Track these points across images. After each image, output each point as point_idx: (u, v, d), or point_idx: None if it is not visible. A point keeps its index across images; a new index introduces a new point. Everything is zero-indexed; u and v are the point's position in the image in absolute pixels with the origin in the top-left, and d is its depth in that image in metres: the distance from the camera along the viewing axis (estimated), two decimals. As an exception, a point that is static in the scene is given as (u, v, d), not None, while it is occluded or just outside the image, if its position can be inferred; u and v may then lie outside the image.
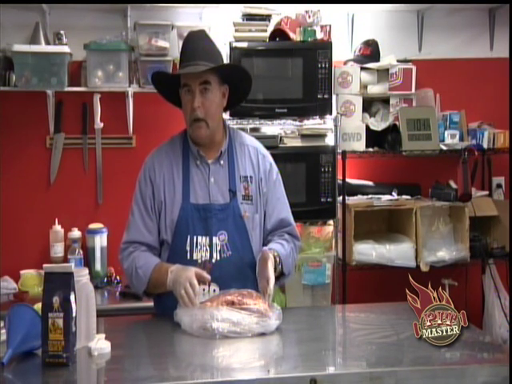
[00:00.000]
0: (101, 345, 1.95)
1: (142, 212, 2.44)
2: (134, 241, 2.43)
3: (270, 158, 2.58)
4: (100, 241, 3.76)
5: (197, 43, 2.42)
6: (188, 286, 2.20)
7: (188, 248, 2.37)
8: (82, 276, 2.02)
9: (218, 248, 2.38)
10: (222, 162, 2.47)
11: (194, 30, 2.57)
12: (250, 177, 2.48)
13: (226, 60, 3.61)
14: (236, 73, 2.49)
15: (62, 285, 1.87)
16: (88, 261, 3.73)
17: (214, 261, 2.38)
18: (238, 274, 2.39)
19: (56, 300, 1.85)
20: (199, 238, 2.38)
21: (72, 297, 1.87)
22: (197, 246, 2.38)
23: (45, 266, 1.92)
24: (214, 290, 2.34)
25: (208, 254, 2.38)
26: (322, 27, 3.67)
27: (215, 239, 2.39)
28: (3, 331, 1.97)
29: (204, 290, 2.35)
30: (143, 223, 2.43)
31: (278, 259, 2.38)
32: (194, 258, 2.37)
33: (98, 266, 3.75)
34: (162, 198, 2.42)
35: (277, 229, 2.53)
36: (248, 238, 2.44)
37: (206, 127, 2.40)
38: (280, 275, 2.44)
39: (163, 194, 2.42)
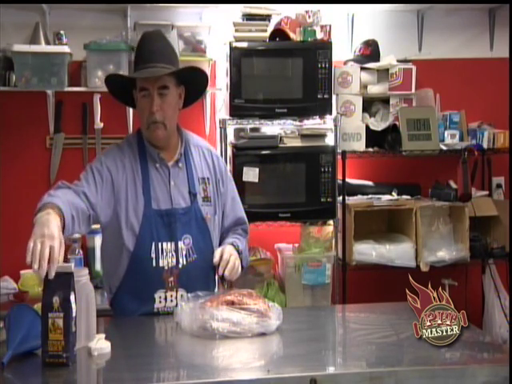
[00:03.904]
0: (101, 345, 1.95)
1: (88, 179, 2.34)
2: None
3: (222, 159, 2.62)
4: (100, 241, 3.74)
5: (154, 44, 2.40)
6: (47, 247, 1.85)
7: (153, 255, 2.34)
8: (82, 276, 2.02)
9: (184, 253, 2.37)
10: (180, 165, 2.45)
11: (149, 30, 2.57)
12: (208, 178, 2.49)
13: (225, 60, 3.63)
14: (193, 74, 2.47)
15: (62, 285, 1.86)
16: (88, 261, 3.73)
17: (180, 266, 2.36)
18: (202, 277, 2.40)
19: (56, 300, 1.85)
20: (164, 244, 2.36)
21: (72, 297, 1.86)
22: (162, 253, 2.35)
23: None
24: (182, 296, 2.34)
25: (174, 260, 2.36)
26: (321, 27, 3.67)
27: (180, 244, 2.37)
28: (3, 331, 1.97)
29: (172, 296, 2.36)
30: (94, 186, 2.32)
31: (239, 250, 2.42)
32: (160, 265, 2.35)
33: (97, 266, 3.75)
34: (122, 201, 2.35)
35: (233, 226, 2.56)
36: (210, 239, 2.44)
37: (164, 129, 2.38)
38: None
39: (125, 197, 2.36)
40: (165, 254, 2.35)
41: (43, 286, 1.88)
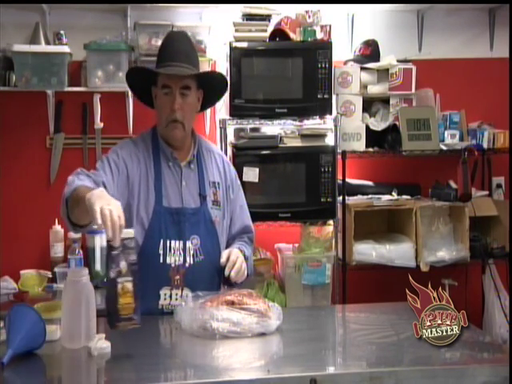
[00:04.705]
0: (101, 345, 1.95)
1: (105, 169, 2.35)
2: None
3: (232, 166, 2.63)
4: (100, 241, 3.73)
5: (180, 45, 2.42)
6: (116, 213, 1.92)
7: (161, 252, 2.36)
8: (82, 276, 2.02)
9: (192, 252, 2.38)
10: (192, 166, 2.47)
11: (176, 30, 2.57)
12: (218, 183, 2.51)
13: (225, 60, 3.63)
14: (214, 79, 2.50)
15: (127, 250, 1.92)
16: (88, 261, 3.72)
17: (187, 265, 2.37)
18: (208, 278, 2.40)
19: (124, 265, 1.90)
20: (172, 242, 2.37)
21: (136, 260, 1.93)
22: (170, 250, 2.36)
23: None
24: (187, 295, 2.34)
25: (182, 259, 2.37)
26: (322, 27, 3.67)
27: (188, 243, 2.38)
28: (3, 331, 1.97)
29: (176, 294, 2.36)
30: (111, 177, 2.34)
31: (244, 255, 2.43)
32: (168, 262, 2.36)
33: (97, 266, 3.74)
34: (135, 194, 2.37)
35: (239, 234, 2.57)
36: (218, 242, 2.46)
37: (182, 129, 2.40)
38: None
39: (137, 191, 2.38)
40: (172, 251, 2.37)
41: (107, 252, 1.92)
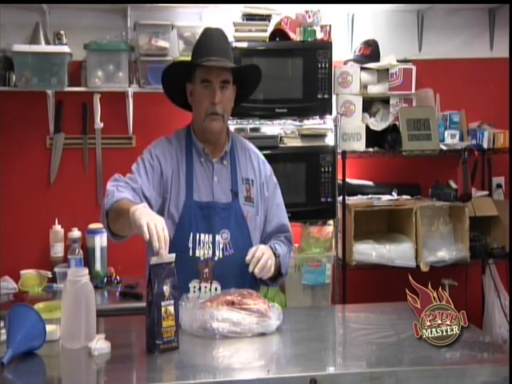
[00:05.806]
0: (101, 345, 1.95)
1: (140, 172, 2.38)
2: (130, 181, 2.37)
3: (268, 164, 2.61)
4: (100, 241, 3.75)
5: (218, 40, 2.43)
6: (160, 227, 2.01)
7: (190, 245, 2.37)
8: (82, 276, 2.02)
9: (221, 246, 2.39)
10: (225, 163, 2.47)
11: (212, 27, 2.56)
12: (252, 180, 2.50)
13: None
14: (248, 74, 2.49)
15: (169, 274, 1.97)
16: (88, 261, 3.73)
17: (216, 259, 2.38)
18: (238, 273, 2.39)
19: (166, 289, 1.95)
20: (202, 235, 2.38)
21: (177, 284, 1.99)
22: (199, 244, 2.37)
23: (152, 258, 1.97)
24: (216, 289, 2.36)
25: (211, 252, 2.38)
26: (322, 27, 3.67)
27: (218, 237, 2.39)
28: (3, 331, 1.97)
29: (206, 287, 2.36)
30: (147, 178, 2.37)
31: (276, 253, 2.41)
32: (197, 255, 2.37)
33: (97, 266, 3.75)
34: (168, 189, 2.40)
35: (276, 233, 2.55)
36: (250, 238, 2.45)
37: (222, 121, 2.41)
38: (277, 275, 2.46)
39: (170, 186, 2.41)
40: (202, 244, 2.37)
41: (149, 276, 1.96)
